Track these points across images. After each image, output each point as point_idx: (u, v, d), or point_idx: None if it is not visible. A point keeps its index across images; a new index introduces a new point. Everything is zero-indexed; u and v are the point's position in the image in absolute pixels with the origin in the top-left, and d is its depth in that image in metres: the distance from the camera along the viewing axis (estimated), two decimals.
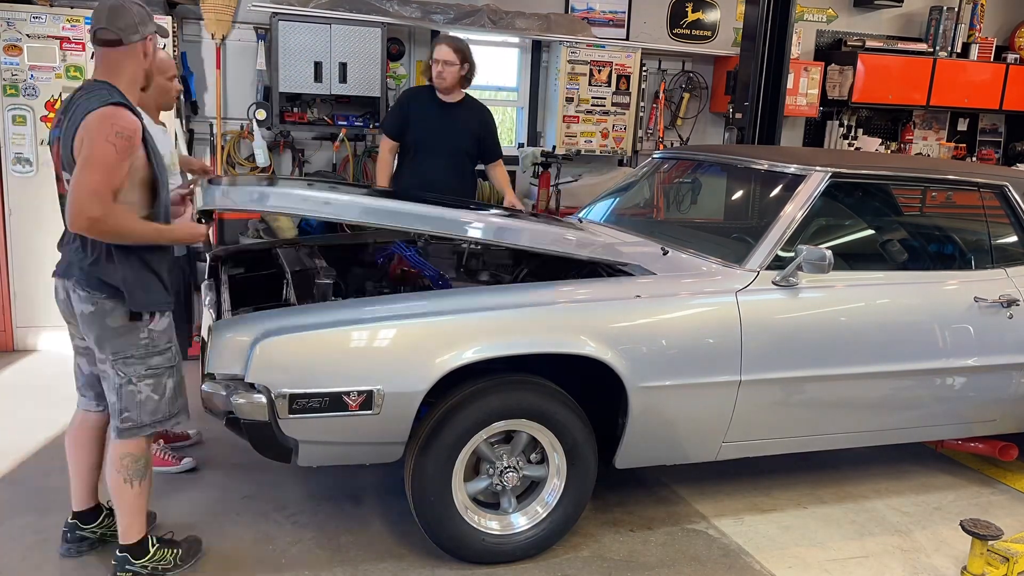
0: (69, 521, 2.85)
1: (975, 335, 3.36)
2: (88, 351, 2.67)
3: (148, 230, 2.51)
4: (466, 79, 4.42)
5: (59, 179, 2.56)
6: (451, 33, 4.72)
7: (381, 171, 4.60)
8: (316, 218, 4.00)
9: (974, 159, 7.48)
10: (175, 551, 2.77)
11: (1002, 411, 3.56)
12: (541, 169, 5.82)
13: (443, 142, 4.43)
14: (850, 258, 3.33)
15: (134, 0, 2.55)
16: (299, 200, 3.07)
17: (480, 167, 4.70)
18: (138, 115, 2.49)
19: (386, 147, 4.58)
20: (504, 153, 4.77)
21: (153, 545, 2.72)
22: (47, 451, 3.64)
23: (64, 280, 2.58)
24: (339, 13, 5.27)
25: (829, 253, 2.92)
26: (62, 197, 2.51)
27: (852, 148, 6.94)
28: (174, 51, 4.95)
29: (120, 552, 2.68)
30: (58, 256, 2.62)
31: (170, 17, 4.92)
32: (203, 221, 2.82)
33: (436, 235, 3.38)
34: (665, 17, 6.43)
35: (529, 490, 2.97)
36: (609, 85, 6.06)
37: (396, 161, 4.64)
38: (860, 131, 7.03)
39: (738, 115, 5.40)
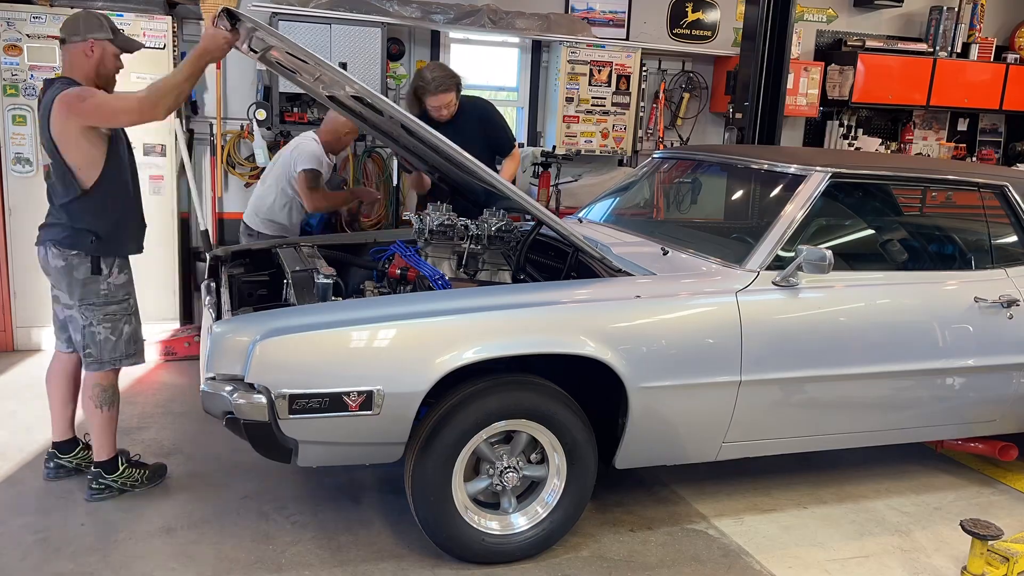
0: (49, 450, 3.40)
1: (975, 335, 3.36)
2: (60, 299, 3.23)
3: (178, 76, 2.97)
4: (459, 94, 4.33)
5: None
6: (436, 60, 4.57)
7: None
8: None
9: (974, 159, 7.47)
10: (143, 471, 3.32)
11: (1002, 411, 3.56)
12: (541, 169, 5.82)
13: None
14: (850, 258, 3.33)
15: (95, 13, 3.15)
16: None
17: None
18: None
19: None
20: (518, 154, 4.69)
21: (123, 464, 3.27)
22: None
23: (41, 245, 3.19)
24: (339, 13, 5.27)
25: (829, 253, 2.92)
26: (47, 176, 3.17)
27: (852, 148, 6.94)
28: (174, 51, 4.95)
29: (95, 468, 3.24)
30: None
31: (170, 17, 4.93)
32: (225, 22, 2.99)
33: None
34: (665, 17, 6.43)
35: (529, 490, 2.97)
36: (609, 85, 6.06)
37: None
38: (860, 131, 7.03)
39: (738, 115, 5.40)
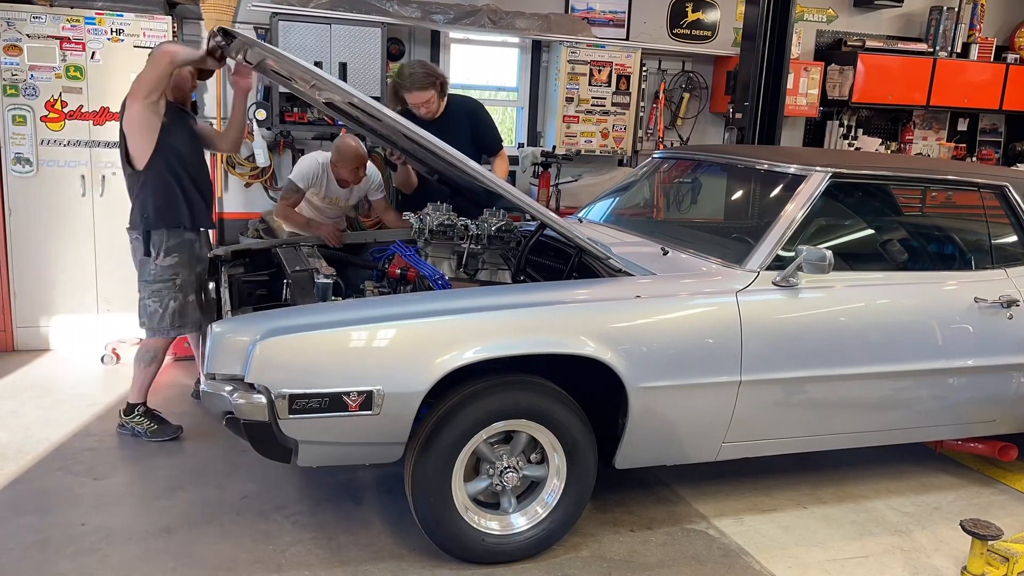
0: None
1: (975, 335, 3.36)
2: None
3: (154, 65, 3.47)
4: (443, 93, 4.32)
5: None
6: (419, 61, 4.51)
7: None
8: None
9: (974, 159, 7.47)
10: (151, 425, 3.81)
11: (1002, 411, 3.56)
12: (541, 169, 5.82)
13: None
14: (850, 258, 3.33)
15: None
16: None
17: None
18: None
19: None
20: (505, 154, 4.70)
21: (137, 411, 3.82)
22: (47, 451, 3.64)
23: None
24: (339, 13, 5.27)
25: (829, 253, 2.92)
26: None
27: (852, 148, 6.94)
28: None
29: (126, 405, 3.86)
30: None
31: (170, 17, 4.93)
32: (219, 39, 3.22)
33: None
34: (665, 17, 6.43)
35: (529, 490, 2.97)
36: (609, 85, 6.06)
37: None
38: (860, 131, 7.03)
39: (738, 115, 5.40)
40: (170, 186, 3.64)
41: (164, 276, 3.68)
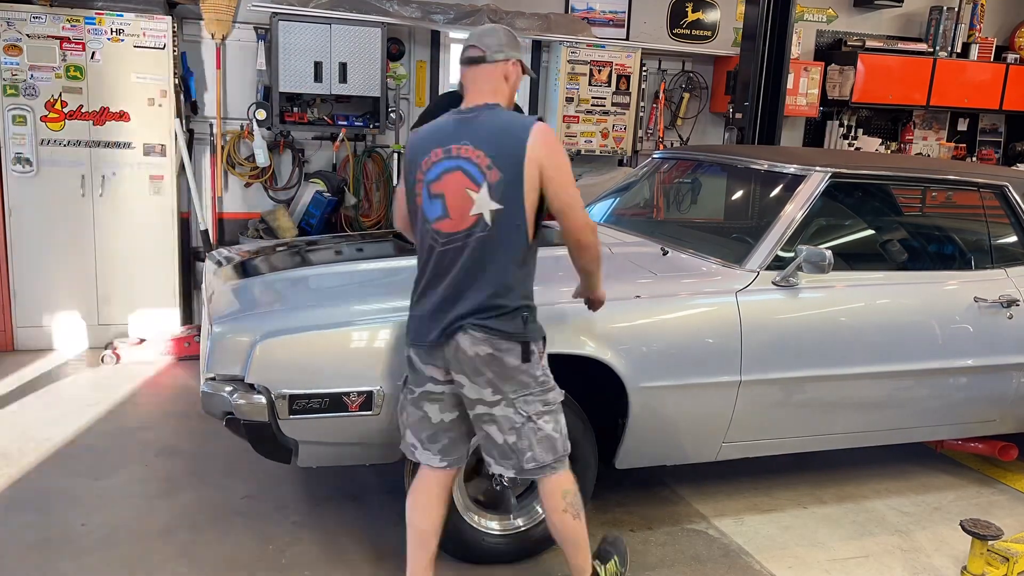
0: None
1: (975, 335, 3.36)
2: (450, 397, 2.43)
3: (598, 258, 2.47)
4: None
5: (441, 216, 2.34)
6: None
7: None
8: None
9: (974, 159, 7.48)
10: (615, 561, 2.73)
11: (1002, 411, 3.56)
12: None
13: None
14: (850, 258, 3.33)
15: (507, 29, 2.47)
16: None
17: None
18: None
19: None
20: None
21: (601, 568, 2.66)
22: (47, 451, 3.64)
23: (446, 331, 2.33)
24: (339, 13, 5.27)
25: (829, 253, 2.92)
26: (439, 234, 2.33)
27: (852, 148, 6.94)
28: (174, 51, 4.95)
29: None
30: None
31: (170, 17, 4.92)
32: None
33: None
34: (665, 17, 6.43)
35: (529, 490, 2.97)
36: (609, 85, 6.06)
37: None
38: (860, 131, 7.03)
39: (738, 115, 5.40)
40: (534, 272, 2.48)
41: (551, 379, 2.44)
